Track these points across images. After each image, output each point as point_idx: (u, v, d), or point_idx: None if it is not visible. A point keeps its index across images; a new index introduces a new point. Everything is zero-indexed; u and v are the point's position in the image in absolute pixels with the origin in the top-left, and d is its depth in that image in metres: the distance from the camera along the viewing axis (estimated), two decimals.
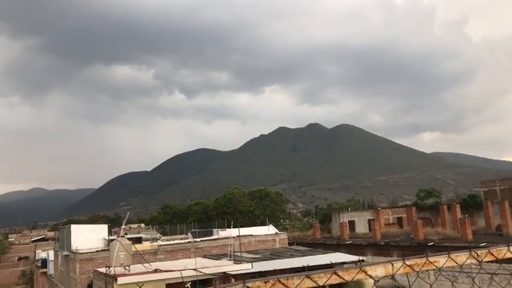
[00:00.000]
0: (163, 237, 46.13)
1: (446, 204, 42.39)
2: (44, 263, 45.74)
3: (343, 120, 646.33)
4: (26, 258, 58.08)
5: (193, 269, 19.83)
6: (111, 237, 29.43)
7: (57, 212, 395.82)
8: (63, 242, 33.78)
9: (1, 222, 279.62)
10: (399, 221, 46.64)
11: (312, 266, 20.16)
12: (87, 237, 30.90)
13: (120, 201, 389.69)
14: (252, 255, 27.07)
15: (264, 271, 20.19)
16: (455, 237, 31.18)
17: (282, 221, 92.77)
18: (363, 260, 23.25)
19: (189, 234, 42.83)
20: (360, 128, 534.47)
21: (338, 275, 1.52)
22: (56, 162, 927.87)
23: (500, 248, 2.00)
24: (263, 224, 43.38)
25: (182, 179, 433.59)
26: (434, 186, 64.26)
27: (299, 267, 21.02)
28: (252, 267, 21.04)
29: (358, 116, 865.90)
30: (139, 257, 24.80)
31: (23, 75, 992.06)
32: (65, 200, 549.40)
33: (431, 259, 1.76)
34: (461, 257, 1.85)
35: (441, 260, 1.79)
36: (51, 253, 42.59)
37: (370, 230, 40.65)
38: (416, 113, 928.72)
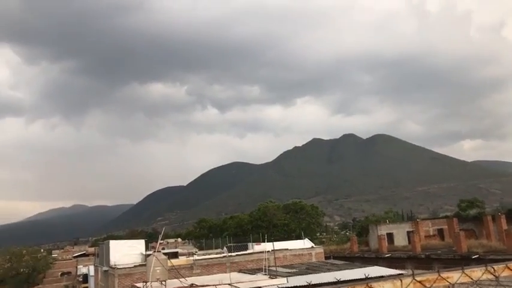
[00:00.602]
0: (199, 252, 46.46)
1: (491, 215, 40.54)
2: (85, 278, 46.96)
3: (378, 129, 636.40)
4: (69, 273, 59.79)
5: (228, 284, 19.78)
6: (148, 252, 29.86)
7: (98, 227, 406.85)
8: (102, 257, 34.57)
9: (45, 238, 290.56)
10: (440, 232, 44.92)
11: (348, 280, 19.68)
12: (125, 252, 31.49)
13: (157, 216, 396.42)
14: (288, 270, 26.74)
15: (299, 286, 19.87)
16: (501, 250, 29.70)
17: (318, 234, 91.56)
18: (401, 274, 22.49)
19: (225, 248, 42.93)
20: (397, 137, 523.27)
21: None
22: (96, 179, 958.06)
23: None
24: (299, 237, 42.92)
25: (217, 193, 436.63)
26: (477, 196, 61.78)
27: (335, 281, 20.57)
28: (288, 281, 20.75)
29: (394, 125, 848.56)
30: (176, 272, 25.01)
31: (63, 97, 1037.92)
32: (105, 215, 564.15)
33: (443, 275, 1.67)
34: (477, 272, 1.74)
35: (455, 276, 1.69)
36: (92, 268, 43.65)
37: (409, 242, 39.39)
38: (455, 120, 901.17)
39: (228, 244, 46.06)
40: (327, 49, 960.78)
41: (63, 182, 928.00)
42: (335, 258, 35.03)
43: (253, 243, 37.71)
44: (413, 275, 1.68)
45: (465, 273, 1.77)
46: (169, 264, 26.04)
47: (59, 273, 60.15)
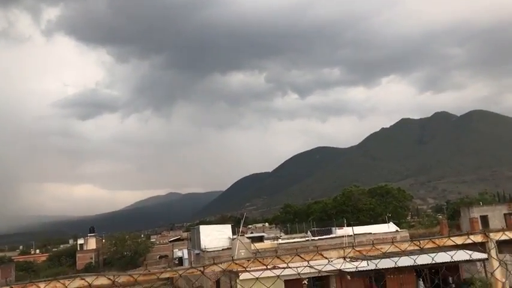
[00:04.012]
0: (284, 236, 47.81)
1: None
2: (180, 260, 50.85)
3: (474, 105, 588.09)
4: (166, 256, 64.95)
5: (309, 266, 20.51)
6: (234, 236, 31.67)
7: (191, 213, 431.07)
8: (194, 241, 37.29)
9: (144, 224, 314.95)
10: None
11: (431, 263, 19.32)
12: (214, 236, 33.73)
13: (245, 202, 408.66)
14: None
15: (379, 268, 19.98)
16: None
17: (409, 218, 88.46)
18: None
19: (309, 232, 43.73)
20: (496, 112, 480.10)
21: (300, 257, 2.02)
22: (187, 167, 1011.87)
23: (441, 237, 2.23)
24: (385, 222, 42.30)
25: (303, 178, 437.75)
26: None
27: (418, 265, 20.36)
28: (368, 264, 20.94)
29: (492, 100, 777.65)
30: (260, 255, 26.28)
31: (152, 91, 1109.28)
32: (197, 202, 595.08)
33: (377, 246, 2.12)
34: (405, 245, 2.15)
35: (385, 247, 2.12)
36: (186, 252, 47.15)
37: (507, 225, 36.81)
38: None
39: (312, 228, 46.79)
40: (411, 23, 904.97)
41: (158, 171, 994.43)
42: None
43: (337, 228, 38.01)
44: (353, 246, 2.18)
45: (395, 245, 2.21)
46: (253, 247, 27.43)
47: (157, 256, 65.48)
